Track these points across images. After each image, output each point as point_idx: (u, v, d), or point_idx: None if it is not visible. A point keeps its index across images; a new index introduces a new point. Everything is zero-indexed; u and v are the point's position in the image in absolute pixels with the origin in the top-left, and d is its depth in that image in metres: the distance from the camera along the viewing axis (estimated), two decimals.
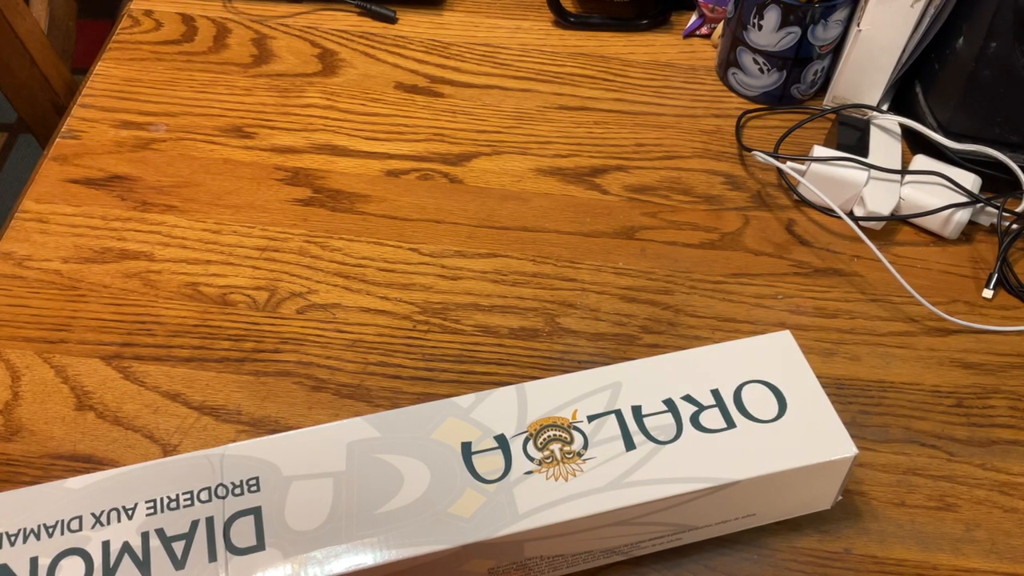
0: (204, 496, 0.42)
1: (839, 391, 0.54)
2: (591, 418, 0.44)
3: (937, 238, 0.62)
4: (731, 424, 0.44)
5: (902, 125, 0.65)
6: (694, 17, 0.76)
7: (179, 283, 0.58)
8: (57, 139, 0.66)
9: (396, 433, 0.44)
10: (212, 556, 0.40)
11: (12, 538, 0.41)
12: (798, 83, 0.69)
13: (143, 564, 0.40)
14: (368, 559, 0.40)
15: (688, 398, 0.45)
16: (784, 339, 0.48)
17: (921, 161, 0.62)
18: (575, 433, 0.44)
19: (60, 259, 0.59)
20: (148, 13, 0.76)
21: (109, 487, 0.42)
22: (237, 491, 0.42)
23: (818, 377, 0.52)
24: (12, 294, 0.57)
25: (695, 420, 0.45)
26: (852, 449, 0.44)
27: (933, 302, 0.58)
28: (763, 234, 0.62)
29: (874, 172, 0.61)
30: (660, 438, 0.44)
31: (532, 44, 0.74)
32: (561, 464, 0.43)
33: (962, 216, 0.60)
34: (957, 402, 0.54)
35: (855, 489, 0.50)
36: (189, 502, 0.42)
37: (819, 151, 0.61)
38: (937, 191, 0.61)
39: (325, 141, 0.66)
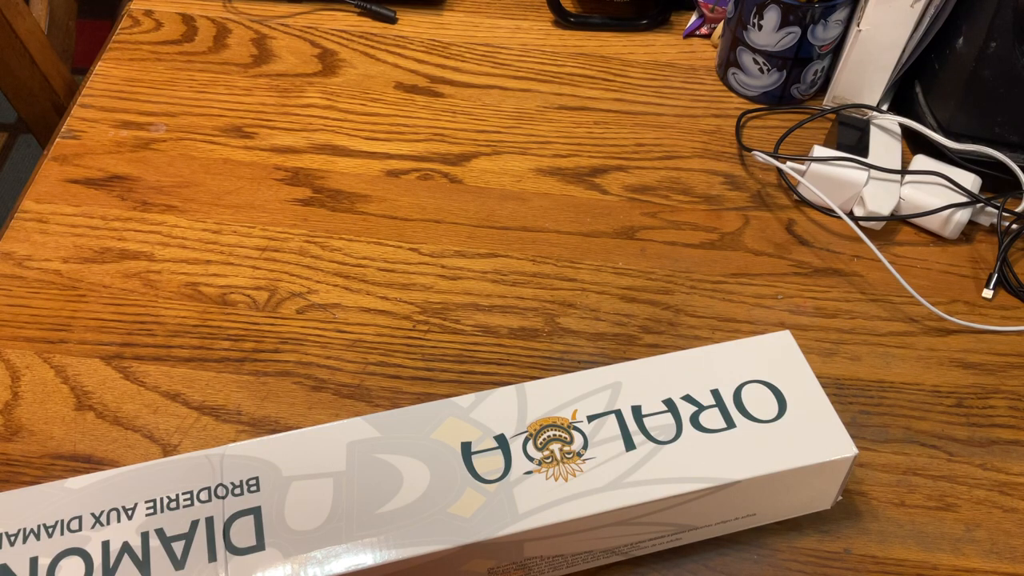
0: (204, 496, 0.42)
1: (839, 391, 0.54)
2: (591, 418, 0.44)
3: (937, 238, 0.62)
4: (731, 424, 0.44)
5: (902, 125, 0.65)
6: (694, 17, 0.76)
7: (179, 283, 0.58)
8: (57, 139, 0.66)
9: (396, 433, 0.44)
10: (212, 556, 0.40)
11: (12, 538, 0.41)
12: (798, 83, 0.69)
13: (143, 564, 0.40)
14: (368, 559, 0.40)
15: (688, 398, 0.45)
16: (784, 339, 0.48)
17: (921, 161, 0.62)
18: (575, 433, 0.44)
19: (60, 259, 0.59)
20: (148, 13, 0.76)
21: (109, 487, 0.42)
22: (237, 491, 0.42)
23: (818, 377, 0.52)
24: (12, 294, 0.57)
25: (695, 420, 0.45)
26: (852, 449, 0.44)
27: (933, 302, 0.58)
28: (763, 234, 0.62)
29: (874, 172, 0.61)
30: (660, 438, 0.44)
31: (532, 44, 0.74)
32: (561, 464, 0.43)
33: (962, 216, 0.60)
34: (957, 402, 0.54)
35: (855, 489, 0.50)
36: (189, 502, 0.42)
37: (819, 151, 0.61)
38: (937, 191, 0.61)
39: (325, 141, 0.66)
